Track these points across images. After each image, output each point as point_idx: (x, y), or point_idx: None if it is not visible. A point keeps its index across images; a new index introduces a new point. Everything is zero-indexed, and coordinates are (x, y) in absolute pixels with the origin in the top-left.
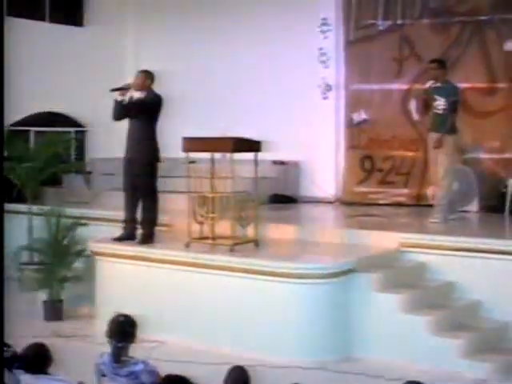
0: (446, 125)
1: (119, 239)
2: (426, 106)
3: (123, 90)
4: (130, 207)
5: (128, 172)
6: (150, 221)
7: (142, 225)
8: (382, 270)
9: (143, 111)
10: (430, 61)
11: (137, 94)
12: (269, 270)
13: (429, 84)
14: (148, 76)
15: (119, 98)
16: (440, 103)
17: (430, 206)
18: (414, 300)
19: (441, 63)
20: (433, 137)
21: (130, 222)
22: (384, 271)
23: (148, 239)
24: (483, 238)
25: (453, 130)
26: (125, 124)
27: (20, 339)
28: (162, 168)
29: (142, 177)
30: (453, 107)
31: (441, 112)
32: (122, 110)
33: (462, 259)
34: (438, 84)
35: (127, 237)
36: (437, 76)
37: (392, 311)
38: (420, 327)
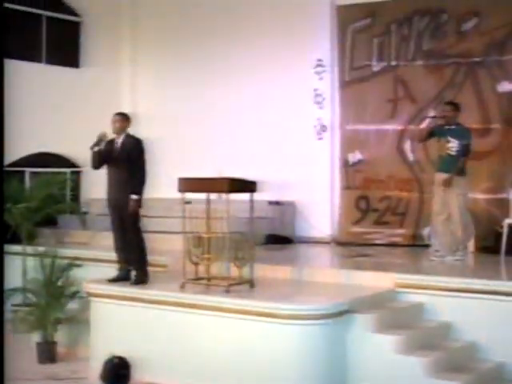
0: (456, 166)
1: (114, 280)
2: (427, 137)
3: (100, 141)
4: (120, 248)
5: (112, 213)
6: (140, 261)
7: (133, 266)
8: (377, 310)
9: (125, 157)
10: (445, 103)
11: (115, 138)
12: (264, 311)
13: (439, 124)
14: (125, 118)
15: (96, 149)
16: (454, 145)
17: (426, 246)
18: (409, 341)
19: (456, 106)
20: (441, 177)
21: (123, 262)
22: (379, 312)
23: (141, 280)
24: (479, 278)
25: (463, 172)
26: None
27: (13, 382)
28: (157, 208)
29: (126, 220)
30: (466, 150)
31: (454, 154)
32: (100, 158)
33: (458, 300)
34: (453, 126)
35: (122, 278)
36: (451, 118)
37: (387, 352)
38: (416, 368)
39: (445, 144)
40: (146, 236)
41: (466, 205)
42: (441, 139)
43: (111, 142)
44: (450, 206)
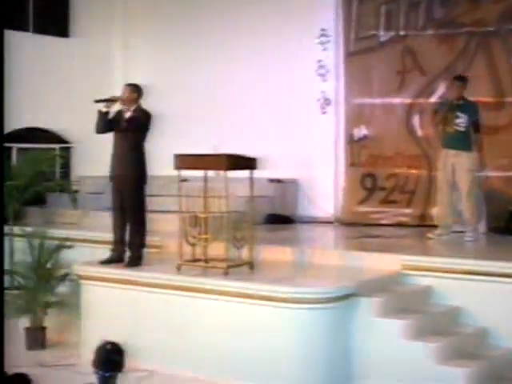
0: (466, 142)
1: (106, 262)
2: (444, 121)
3: (109, 101)
4: (119, 228)
5: (115, 191)
6: (138, 243)
7: (130, 247)
8: (383, 294)
9: (133, 129)
10: (454, 77)
11: (125, 110)
12: (264, 294)
13: (449, 100)
14: (136, 90)
15: (104, 110)
16: (463, 121)
17: (435, 226)
18: (417, 326)
19: (464, 80)
20: (450, 153)
21: (118, 243)
22: (386, 295)
23: (135, 262)
24: (491, 260)
25: (473, 148)
26: (110, 141)
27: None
28: (152, 187)
29: (129, 196)
30: (477, 125)
31: (463, 129)
32: (107, 124)
33: (469, 283)
34: (461, 101)
35: (115, 259)
36: (459, 93)
37: (394, 338)
38: (424, 355)
39: (453, 119)
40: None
41: (477, 183)
42: (448, 114)
43: (120, 112)
44: (458, 184)
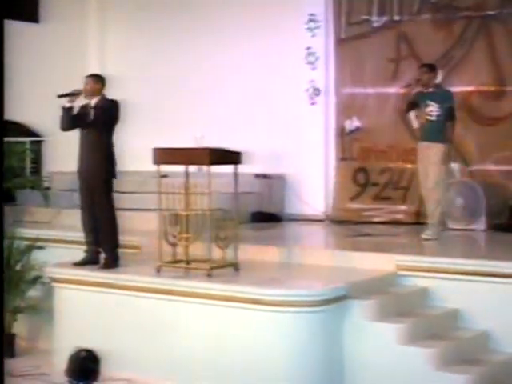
0: (437, 132)
1: (80, 264)
2: (410, 108)
3: (72, 95)
4: (89, 227)
5: (83, 188)
6: (110, 242)
7: (103, 248)
8: (377, 296)
9: (101, 122)
10: (420, 65)
11: (89, 101)
12: (250, 297)
13: (417, 89)
14: (98, 80)
15: (67, 105)
16: (433, 109)
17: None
18: (413, 330)
19: (432, 68)
20: (422, 146)
21: (90, 244)
22: (380, 298)
23: (111, 263)
24: (490, 260)
25: (445, 139)
26: None
27: None
28: (129, 183)
29: (97, 194)
30: (449, 114)
31: (434, 119)
32: (72, 120)
33: (468, 284)
34: (430, 89)
35: (89, 261)
36: (428, 81)
37: (389, 342)
38: (420, 360)
39: (424, 109)
40: (117, 214)
41: (444, 176)
42: (420, 104)
43: (85, 106)
44: (427, 176)
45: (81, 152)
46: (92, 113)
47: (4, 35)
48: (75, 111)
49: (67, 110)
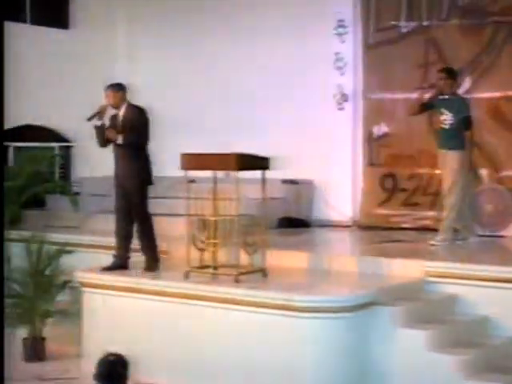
0: (452, 140)
1: (109, 269)
2: (421, 110)
3: (99, 113)
4: (123, 233)
5: (119, 193)
6: (150, 245)
7: (143, 251)
8: (405, 302)
9: (128, 130)
10: (438, 70)
11: (117, 112)
12: (278, 303)
13: (434, 95)
14: (117, 89)
15: (99, 123)
16: (446, 118)
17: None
18: (442, 337)
19: (451, 73)
20: (440, 154)
21: (121, 248)
22: (408, 304)
23: (154, 266)
24: None
25: (461, 146)
26: None
27: None
28: (157, 188)
29: (134, 200)
30: (465, 124)
31: (447, 127)
32: (104, 134)
33: (497, 291)
34: (446, 96)
35: (118, 266)
36: (445, 87)
37: (417, 349)
38: (449, 368)
39: (439, 117)
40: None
41: (463, 184)
42: (436, 111)
43: (114, 116)
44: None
45: (116, 159)
46: (120, 123)
47: (4, 39)
48: (103, 121)
49: (100, 128)
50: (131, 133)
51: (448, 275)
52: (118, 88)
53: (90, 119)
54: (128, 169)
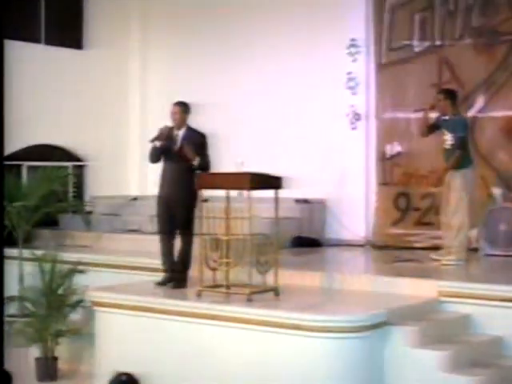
0: (452, 160)
1: (162, 284)
2: (429, 131)
3: (162, 136)
4: (169, 252)
5: (164, 214)
6: (184, 264)
7: (177, 268)
8: (419, 322)
9: (199, 153)
10: (437, 91)
11: (176, 131)
12: (290, 322)
13: (438, 116)
14: (186, 109)
15: (158, 145)
16: (447, 138)
17: (475, 249)
18: (456, 357)
19: (448, 94)
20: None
21: (170, 266)
22: (421, 324)
23: (181, 284)
24: None
25: (462, 165)
26: (128, 159)
27: None
28: None
29: (181, 219)
30: (460, 144)
31: (449, 147)
32: (158, 152)
33: (511, 311)
34: (446, 117)
35: (170, 280)
36: (444, 108)
37: (431, 370)
38: None
39: (443, 137)
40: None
41: (465, 204)
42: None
43: (170, 136)
44: (447, 203)
45: (162, 178)
46: (178, 144)
47: (4, 57)
48: (163, 141)
49: (158, 148)
50: (203, 157)
51: (461, 295)
52: (187, 108)
53: (153, 141)
54: (177, 188)
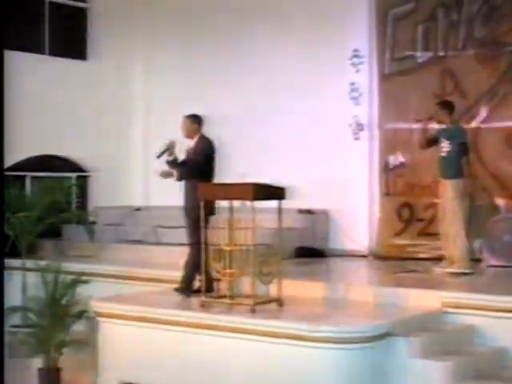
0: (449, 168)
1: (197, 291)
2: (430, 143)
3: (168, 150)
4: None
5: (186, 224)
6: (190, 273)
7: (184, 273)
8: (422, 333)
9: (198, 163)
10: (435, 103)
11: (187, 144)
12: (294, 333)
13: (436, 126)
14: (194, 120)
15: (170, 159)
16: (444, 145)
17: (478, 260)
18: (460, 369)
19: (445, 105)
20: (442, 183)
21: (201, 274)
22: (425, 335)
23: (184, 291)
24: None
25: (458, 174)
26: (131, 169)
27: None
28: (173, 217)
29: (189, 229)
30: (460, 150)
31: (445, 155)
32: (173, 166)
33: None
34: (444, 126)
35: (205, 289)
36: (442, 118)
37: (435, 381)
38: None
39: (440, 146)
40: (162, 248)
41: (463, 211)
42: (438, 141)
43: (174, 147)
44: (444, 212)
45: (184, 190)
46: (190, 154)
47: (4, 68)
48: (174, 155)
49: (172, 162)
50: (195, 157)
51: (465, 306)
52: (195, 119)
53: (159, 156)
54: (190, 199)
